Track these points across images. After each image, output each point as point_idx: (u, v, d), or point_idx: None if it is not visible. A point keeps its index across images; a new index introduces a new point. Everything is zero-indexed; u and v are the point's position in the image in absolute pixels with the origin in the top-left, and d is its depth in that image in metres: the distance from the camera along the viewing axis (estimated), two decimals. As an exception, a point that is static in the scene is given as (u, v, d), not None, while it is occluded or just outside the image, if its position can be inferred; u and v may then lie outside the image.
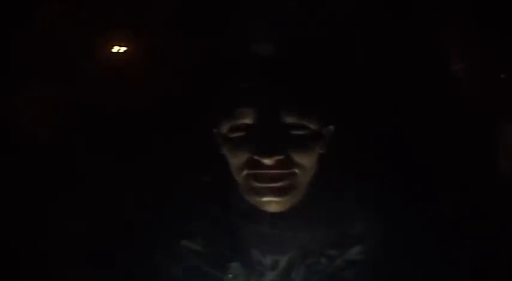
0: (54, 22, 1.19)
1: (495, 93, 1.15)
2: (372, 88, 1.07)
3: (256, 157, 0.80)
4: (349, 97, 0.98)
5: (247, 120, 0.82)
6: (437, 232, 0.97)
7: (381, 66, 1.10)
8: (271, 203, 0.84)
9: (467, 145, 1.09)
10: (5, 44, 1.14)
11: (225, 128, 0.84)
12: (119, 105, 1.18)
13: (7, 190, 1.09)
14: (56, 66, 1.18)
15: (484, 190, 1.05)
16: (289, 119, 0.81)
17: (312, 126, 0.83)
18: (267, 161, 0.79)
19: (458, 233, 0.98)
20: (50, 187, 1.10)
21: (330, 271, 0.91)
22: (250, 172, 0.82)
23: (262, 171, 0.81)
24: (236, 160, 0.84)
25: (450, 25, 1.16)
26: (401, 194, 0.98)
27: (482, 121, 1.11)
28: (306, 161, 0.83)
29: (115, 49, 1.23)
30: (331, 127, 0.90)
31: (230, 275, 0.90)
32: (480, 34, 1.14)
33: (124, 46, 1.23)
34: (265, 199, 0.83)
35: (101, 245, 1.01)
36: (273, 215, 0.87)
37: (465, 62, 1.16)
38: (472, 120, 1.11)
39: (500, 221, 1.00)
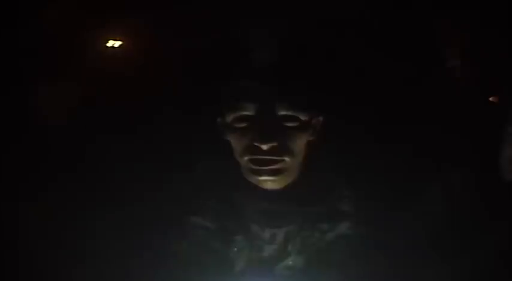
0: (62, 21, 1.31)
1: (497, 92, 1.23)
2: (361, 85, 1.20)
3: (255, 144, 0.96)
4: (336, 92, 1.12)
5: (249, 113, 0.98)
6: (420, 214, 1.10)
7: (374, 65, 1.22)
8: (268, 182, 1.01)
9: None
10: (13, 42, 1.25)
11: (229, 118, 1.00)
12: (132, 96, 1.33)
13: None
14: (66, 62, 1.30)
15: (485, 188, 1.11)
16: (282, 112, 0.97)
17: (302, 117, 0.99)
18: (264, 147, 0.96)
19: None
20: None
21: (323, 244, 1.04)
22: (251, 157, 0.98)
23: (260, 156, 0.97)
24: (239, 145, 1.00)
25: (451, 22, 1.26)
26: (385, 175, 1.12)
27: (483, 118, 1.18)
28: (295, 148, 0.99)
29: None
30: (320, 118, 1.05)
31: (235, 249, 1.04)
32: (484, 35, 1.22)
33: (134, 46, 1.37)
34: (262, 178, 0.99)
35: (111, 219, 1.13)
36: (271, 192, 1.02)
37: (463, 60, 1.23)
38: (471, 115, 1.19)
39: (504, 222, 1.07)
